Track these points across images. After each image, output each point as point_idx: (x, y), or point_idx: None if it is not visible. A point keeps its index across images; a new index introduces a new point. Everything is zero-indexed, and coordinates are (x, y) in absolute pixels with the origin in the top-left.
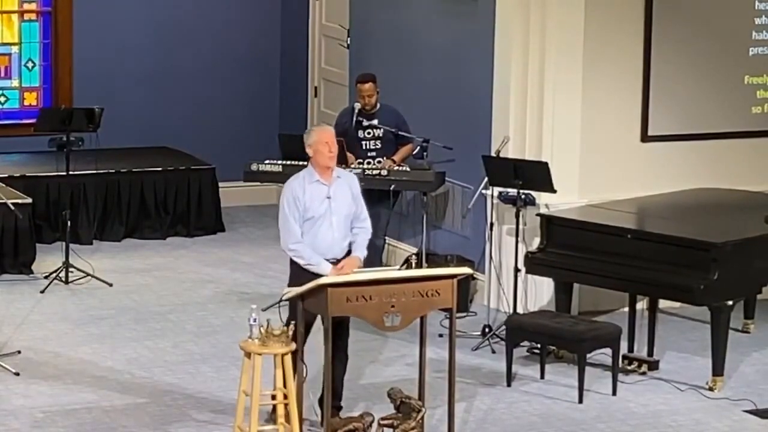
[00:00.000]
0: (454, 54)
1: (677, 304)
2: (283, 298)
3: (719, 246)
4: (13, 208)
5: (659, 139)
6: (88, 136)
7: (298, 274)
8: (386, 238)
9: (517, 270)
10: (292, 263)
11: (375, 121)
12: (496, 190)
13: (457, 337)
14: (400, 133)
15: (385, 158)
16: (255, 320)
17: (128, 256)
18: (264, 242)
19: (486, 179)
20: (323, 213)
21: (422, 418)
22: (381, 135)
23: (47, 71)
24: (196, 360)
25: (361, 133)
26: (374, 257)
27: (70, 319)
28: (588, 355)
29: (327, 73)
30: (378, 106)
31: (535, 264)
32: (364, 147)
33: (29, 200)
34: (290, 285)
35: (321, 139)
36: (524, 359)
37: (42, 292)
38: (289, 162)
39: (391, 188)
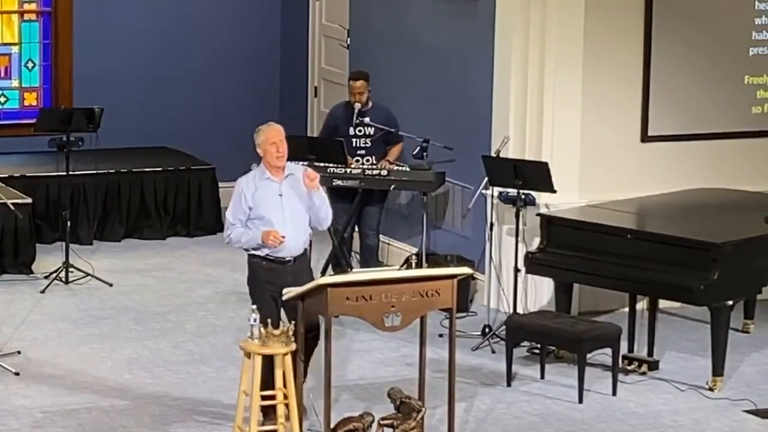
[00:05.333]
0: (454, 54)
1: (677, 304)
2: (283, 298)
3: (719, 246)
4: (13, 208)
5: (659, 139)
6: (88, 136)
7: (252, 269)
8: (380, 236)
9: (517, 270)
10: (248, 260)
11: (367, 119)
12: (496, 190)
13: (457, 337)
14: (391, 131)
15: (374, 157)
16: (255, 320)
17: (128, 256)
18: None
19: (486, 179)
20: (275, 210)
21: (422, 418)
22: (372, 133)
23: (47, 71)
24: (196, 360)
25: (352, 131)
26: (369, 257)
27: (70, 319)
28: (588, 355)
29: (327, 73)
30: (370, 104)
31: (535, 264)
32: (354, 144)
33: (29, 200)
34: (248, 282)
35: (268, 139)
36: (524, 359)
37: (42, 292)
38: (288, 162)
39: (392, 188)
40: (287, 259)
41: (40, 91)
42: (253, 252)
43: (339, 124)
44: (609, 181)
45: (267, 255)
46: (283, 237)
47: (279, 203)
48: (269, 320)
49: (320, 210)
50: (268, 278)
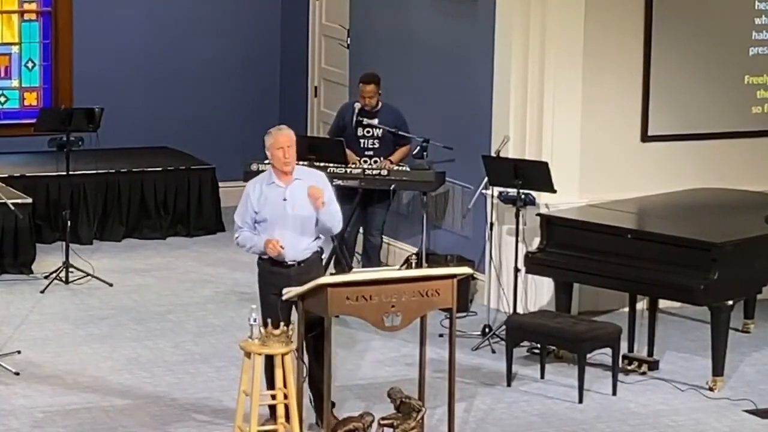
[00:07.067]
0: (454, 54)
1: (677, 304)
2: (283, 298)
3: (719, 246)
4: (13, 208)
5: (659, 139)
6: (88, 136)
7: (260, 271)
8: (383, 236)
9: (517, 270)
10: (257, 265)
11: (375, 121)
12: (496, 190)
13: (457, 337)
14: (399, 133)
15: (381, 158)
16: (255, 320)
17: (128, 256)
18: None
19: (486, 179)
20: (278, 215)
21: (422, 418)
22: (380, 134)
23: (47, 71)
24: (196, 360)
25: (360, 131)
26: (372, 256)
27: (70, 319)
28: (588, 355)
29: (327, 73)
30: (379, 105)
31: (535, 264)
32: (361, 145)
33: (29, 200)
34: (258, 283)
35: (276, 143)
36: (524, 359)
37: (42, 292)
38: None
39: (392, 188)
40: (289, 263)
41: (40, 91)
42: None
43: (347, 124)
44: (609, 181)
45: (269, 258)
46: (282, 247)
47: (282, 208)
48: (269, 320)
49: (324, 224)
50: (271, 281)
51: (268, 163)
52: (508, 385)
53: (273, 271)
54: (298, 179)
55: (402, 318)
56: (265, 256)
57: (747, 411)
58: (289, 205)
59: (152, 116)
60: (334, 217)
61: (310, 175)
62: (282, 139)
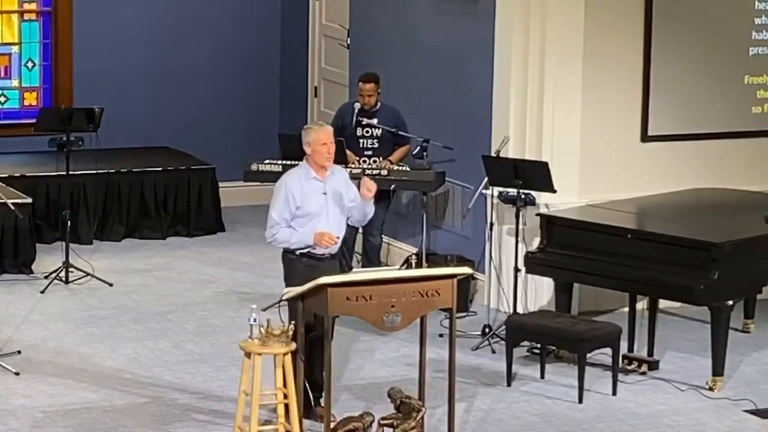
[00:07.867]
0: (454, 54)
1: (677, 304)
2: (283, 298)
3: (719, 246)
4: (13, 208)
5: (659, 139)
6: (88, 136)
7: (291, 267)
8: (383, 236)
9: (517, 270)
10: (283, 259)
11: (374, 121)
12: (496, 190)
13: (457, 337)
14: (399, 132)
15: (381, 158)
16: (255, 320)
17: (128, 256)
18: (264, 242)
19: (486, 179)
20: (320, 209)
21: (422, 418)
22: (379, 134)
23: (47, 71)
24: (196, 360)
25: (359, 131)
26: (372, 256)
27: (70, 319)
28: (588, 355)
29: (327, 73)
30: (378, 105)
31: (535, 264)
32: (361, 145)
33: (29, 200)
34: (286, 281)
35: (320, 139)
36: (524, 359)
37: (42, 292)
38: (288, 162)
39: (392, 188)
40: (326, 255)
41: (40, 91)
42: (290, 250)
43: (346, 124)
44: (609, 181)
45: (309, 252)
46: (338, 238)
47: (324, 202)
48: (292, 323)
49: (369, 214)
50: (308, 275)
51: (269, 163)
52: (508, 385)
53: (312, 264)
54: (332, 173)
55: (402, 318)
56: (303, 250)
57: (747, 411)
58: (329, 198)
59: (152, 116)
60: (372, 208)
61: (337, 170)
62: (325, 135)
